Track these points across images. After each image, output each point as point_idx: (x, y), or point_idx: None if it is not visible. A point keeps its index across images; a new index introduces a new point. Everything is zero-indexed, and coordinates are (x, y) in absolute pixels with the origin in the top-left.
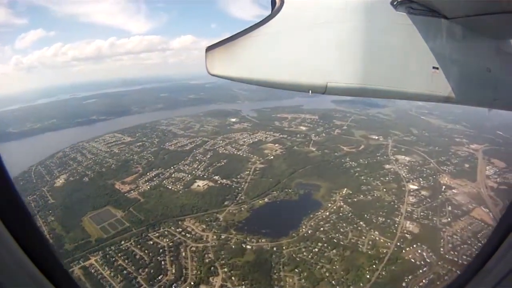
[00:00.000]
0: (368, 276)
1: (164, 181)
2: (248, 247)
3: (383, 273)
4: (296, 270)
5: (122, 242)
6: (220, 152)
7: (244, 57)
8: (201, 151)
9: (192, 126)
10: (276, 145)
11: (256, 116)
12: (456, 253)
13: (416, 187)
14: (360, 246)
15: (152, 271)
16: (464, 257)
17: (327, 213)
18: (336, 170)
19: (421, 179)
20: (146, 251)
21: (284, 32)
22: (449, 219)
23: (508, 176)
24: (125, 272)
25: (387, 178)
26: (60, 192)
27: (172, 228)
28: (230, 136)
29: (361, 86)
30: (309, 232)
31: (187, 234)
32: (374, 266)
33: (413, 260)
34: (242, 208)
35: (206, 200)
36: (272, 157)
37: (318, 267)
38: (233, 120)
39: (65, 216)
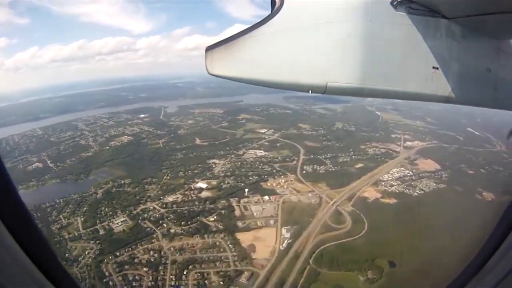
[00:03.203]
0: None
1: (10, 163)
2: None
3: None
4: None
5: None
6: (80, 143)
7: (244, 57)
8: (68, 142)
9: (98, 123)
10: (130, 137)
11: (171, 112)
12: None
13: (204, 186)
14: None
15: None
16: None
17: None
18: (149, 162)
19: (233, 177)
20: None
21: (284, 32)
22: (176, 231)
23: (422, 182)
24: None
25: (186, 173)
26: None
27: None
28: (106, 130)
29: (361, 86)
30: None
31: None
32: None
33: None
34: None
35: (14, 176)
36: (107, 148)
37: None
38: (141, 115)
39: None
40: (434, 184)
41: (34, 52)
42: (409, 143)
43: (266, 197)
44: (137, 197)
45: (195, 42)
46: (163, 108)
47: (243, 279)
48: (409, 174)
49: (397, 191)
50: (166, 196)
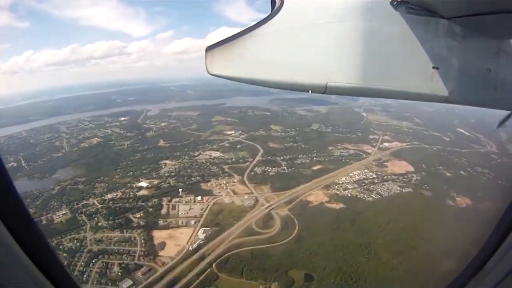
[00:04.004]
0: None
1: None
2: None
3: None
4: None
5: None
6: (54, 145)
7: (244, 57)
8: (45, 143)
9: (80, 125)
10: (100, 139)
11: (151, 115)
12: None
13: (145, 185)
14: None
15: None
16: None
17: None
18: (109, 162)
19: (175, 177)
20: None
21: (284, 31)
22: None
23: (384, 186)
24: None
25: (134, 173)
26: None
27: None
28: (82, 132)
29: (361, 86)
30: None
31: None
32: None
33: None
34: None
35: None
36: (76, 149)
37: None
38: (122, 118)
39: None
40: (398, 188)
41: (29, 56)
42: (386, 144)
43: (199, 198)
44: (84, 194)
45: (185, 45)
46: (145, 111)
47: (139, 273)
48: (371, 177)
49: (349, 195)
50: (108, 193)
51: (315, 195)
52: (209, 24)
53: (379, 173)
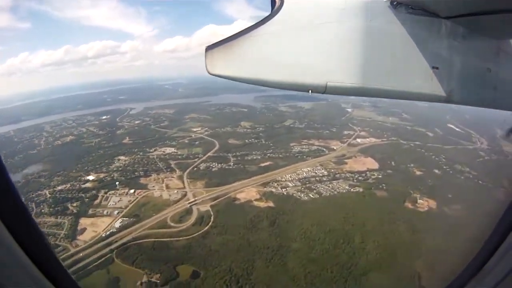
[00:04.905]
0: None
1: None
2: None
3: None
4: None
5: None
6: (33, 142)
7: (244, 57)
8: (26, 142)
9: (63, 125)
10: (74, 137)
11: (133, 113)
12: None
13: (91, 178)
14: None
15: None
16: None
17: None
18: (74, 158)
19: (121, 171)
20: None
21: (283, 31)
22: None
23: (332, 184)
24: None
25: (88, 167)
26: None
27: None
28: (61, 131)
29: (360, 85)
30: None
31: None
32: None
33: None
34: None
35: None
36: (50, 146)
37: None
38: (103, 117)
39: None
40: (347, 187)
41: (25, 57)
42: (359, 140)
43: (131, 191)
44: (41, 185)
45: (175, 43)
46: (129, 109)
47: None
48: (321, 175)
49: (284, 193)
50: (60, 185)
51: (247, 192)
52: (204, 23)
53: (333, 170)
